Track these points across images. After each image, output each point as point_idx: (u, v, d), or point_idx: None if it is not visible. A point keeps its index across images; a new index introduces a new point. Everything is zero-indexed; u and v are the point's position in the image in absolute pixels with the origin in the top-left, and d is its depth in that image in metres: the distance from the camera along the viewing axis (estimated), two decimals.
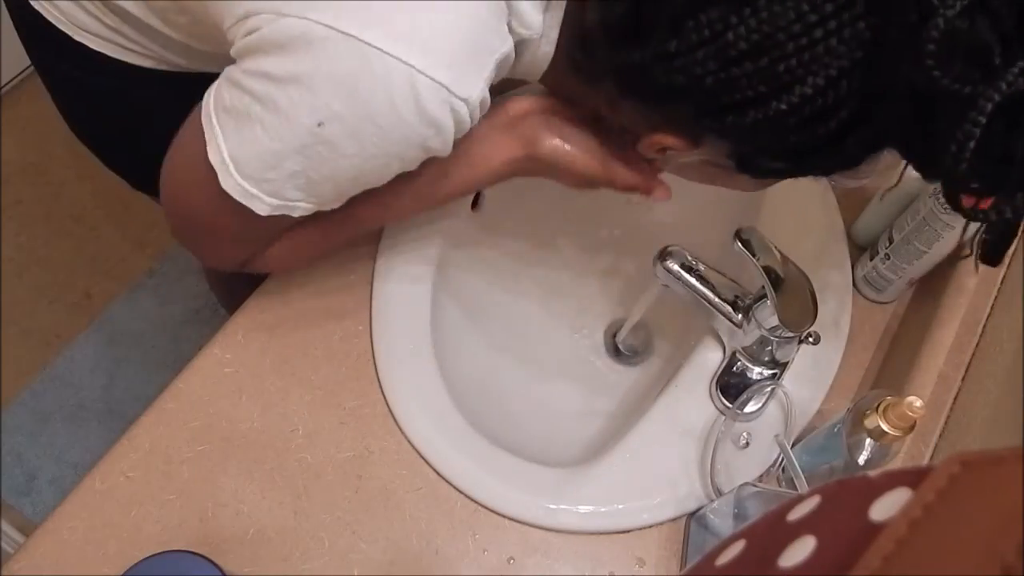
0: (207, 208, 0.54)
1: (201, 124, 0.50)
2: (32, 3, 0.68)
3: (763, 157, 0.49)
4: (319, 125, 0.45)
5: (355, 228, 0.65)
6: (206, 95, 0.50)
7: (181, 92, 0.74)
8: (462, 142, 0.52)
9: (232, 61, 0.48)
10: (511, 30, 0.49)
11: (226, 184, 0.49)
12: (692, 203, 0.71)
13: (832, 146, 0.45)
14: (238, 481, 0.65)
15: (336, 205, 0.54)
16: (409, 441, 0.67)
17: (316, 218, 0.56)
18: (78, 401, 1.52)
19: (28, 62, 0.79)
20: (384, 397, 0.69)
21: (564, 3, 0.50)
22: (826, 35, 0.40)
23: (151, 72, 0.71)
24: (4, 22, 0.78)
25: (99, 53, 0.69)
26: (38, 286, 1.63)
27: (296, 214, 0.52)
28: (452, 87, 0.45)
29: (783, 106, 0.42)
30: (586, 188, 0.61)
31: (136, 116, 0.77)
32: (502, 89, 0.57)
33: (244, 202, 0.50)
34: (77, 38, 0.68)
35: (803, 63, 0.41)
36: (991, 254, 0.46)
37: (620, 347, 0.87)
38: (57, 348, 1.56)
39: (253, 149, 0.48)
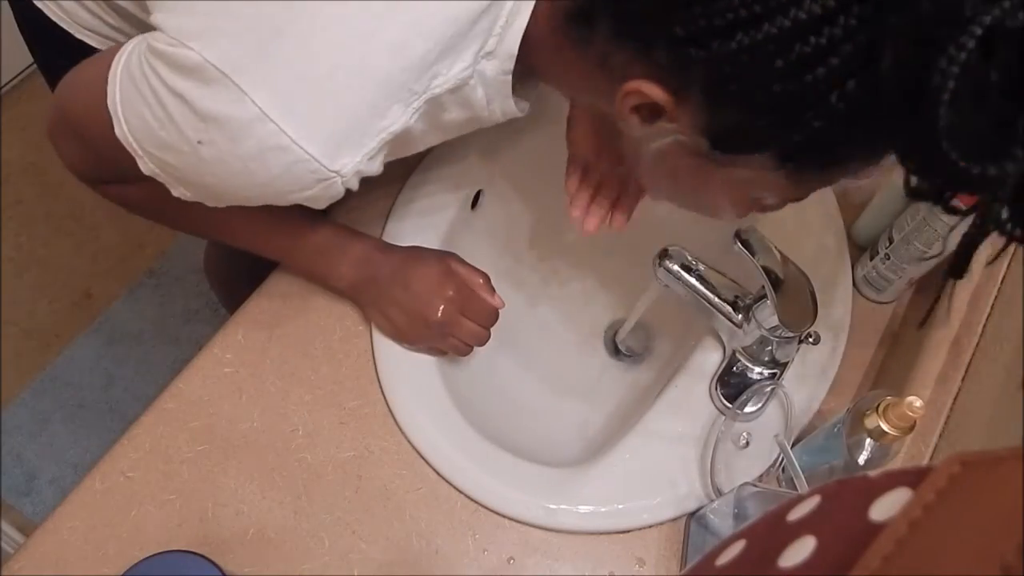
0: (96, 127, 0.54)
1: (112, 61, 0.51)
2: (35, 2, 0.68)
3: (742, 117, 0.44)
4: (198, 143, 0.47)
5: (214, 231, 0.69)
6: (126, 45, 0.51)
7: None
8: (335, 246, 0.67)
9: None
10: (428, 98, 0.49)
11: (119, 133, 0.51)
12: None
13: (819, 104, 0.41)
14: (238, 481, 0.65)
15: (211, 204, 0.55)
16: (409, 441, 0.67)
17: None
18: (78, 401, 1.52)
19: (28, 62, 0.80)
20: (384, 397, 0.69)
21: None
22: None
23: None
24: (5, 22, 0.78)
25: (99, 51, 0.69)
26: (38, 286, 1.63)
27: (175, 193, 0.53)
28: (323, 160, 0.48)
29: (773, 30, 0.38)
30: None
31: None
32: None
33: (130, 153, 0.51)
34: (79, 36, 0.68)
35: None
36: (954, 266, 0.44)
37: (620, 347, 0.87)
38: (57, 348, 1.56)
39: (142, 124, 0.49)
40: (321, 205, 0.53)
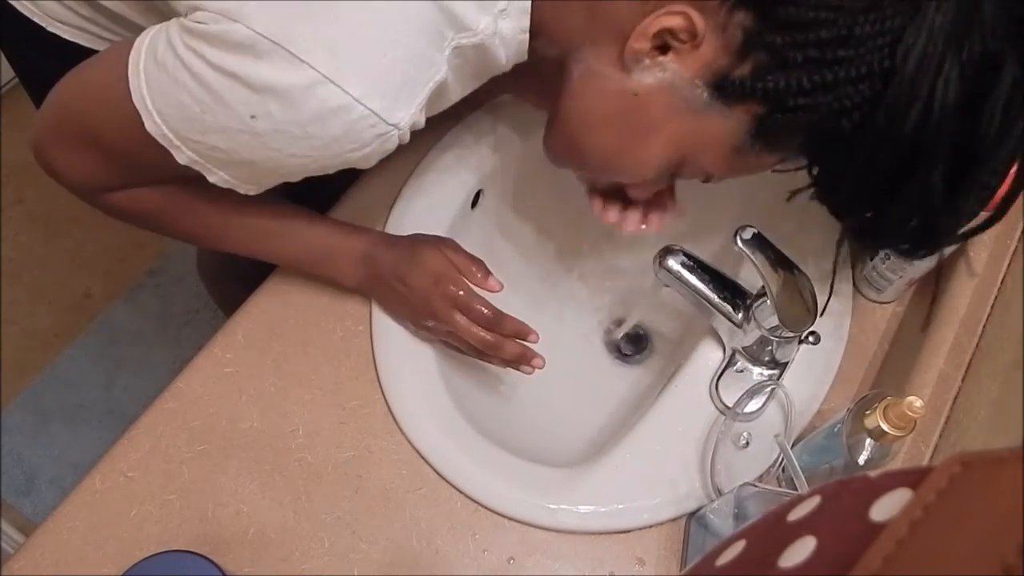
0: (112, 128, 0.54)
1: (126, 58, 0.50)
2: None
3: (765, 72, 0.47)
4: (252, 118, 0.47)
5: (218, 239, 0.68)
6: (142, 35, 0.51)
7: None
8: (327, 250, 0.68)
9: None
10: (455, 46, 0.50)
11: (151, 127, 0.50)
12: (693, 203, 0.71)
13: (830, 92, 0.46)
14: (238, 481, 0.65)
15: (253, 190, 0.56)
16: (409, 441, 0.67)
17: (193, 201, 0.62)
18: (78, 401, 1.52)
19: None
20: (384, 397, 0.69)
21: None
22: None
23: None
24: None
25: (73, 43, 0.68)
26: (38, 286, 1.63)
27: (211, 179, 0.53)
28: (383, 115, 0.48)
29: (823, 17, 0.44)
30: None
31: None
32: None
33: (165, 146, 0.51)
34: (51, 29, 0.68)
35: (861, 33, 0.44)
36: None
37: (620, 347, 0.87)
38: (57, 348, 1.56)
39: (181, 112, 0.49)
40: (371, 163, 0.53)
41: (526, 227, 0.88)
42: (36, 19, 0.67)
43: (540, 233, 0.89)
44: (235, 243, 0.69)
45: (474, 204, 0.81)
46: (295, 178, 0.54)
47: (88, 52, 0.69)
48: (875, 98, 0.45)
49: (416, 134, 0.54)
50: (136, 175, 0.60)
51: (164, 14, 0.61)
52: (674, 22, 0.47)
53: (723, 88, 0.49)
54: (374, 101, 0.47)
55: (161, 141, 0.51)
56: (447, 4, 0.48)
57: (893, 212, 0.50)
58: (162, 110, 0.49)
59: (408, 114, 0.50)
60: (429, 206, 0.77)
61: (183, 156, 0.51)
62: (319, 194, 0.74)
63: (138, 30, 0.65)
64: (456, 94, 0.57)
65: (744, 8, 0.46)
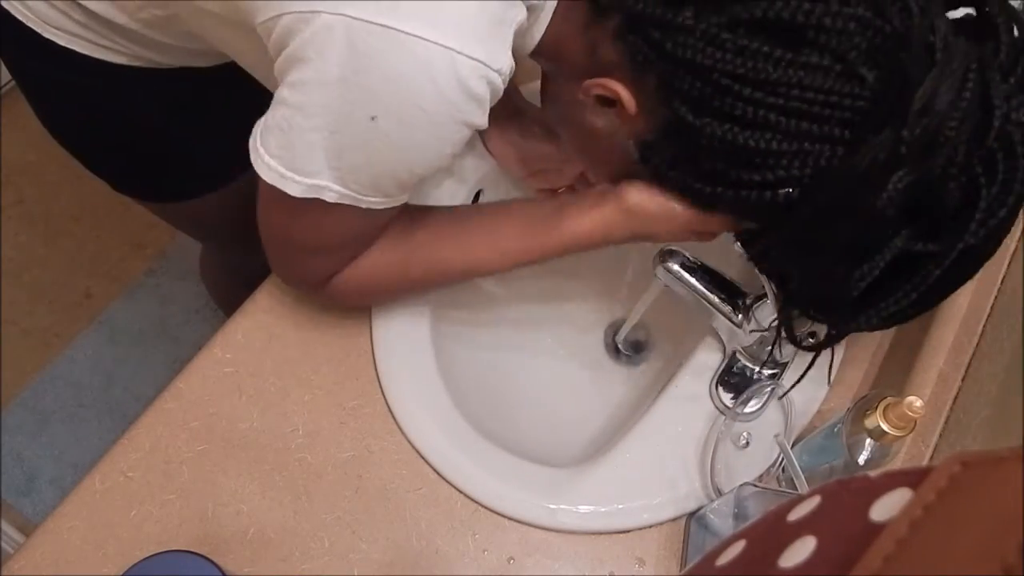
0: (283, 225, 0.58)
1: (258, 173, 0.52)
2: (1, 3, 0.68)
3: (682, 161, 0.51)
4: (372, 119, 0.47)
5: (436, 271, 0.65)
6: (250, 141, 0.52)
7: (156, 88, 0.74)
8: (552, 210, 0.62)
9: (221, 58, 0.49)
10: None
11: (291, 189, 0.51)
12: None
13: (734, 193, 0.49)
14: (238, 481, 0.65)
15: (403, 197, 0.56)
16: (409, 441, 0.67)
17: (396, 247, 0.61)
18: (78, 401, 1.52)
19: None
20: (384, 397, 0.69)
21: None
22: (814, 120, 0.45)
23: (124, 68, 0.70)
24: None
25: (68, 49, 0.68)
26: (38, 286, 1.63)
27: (363, 205, 0.53)
28: (488, 61, 0.47)
29: (749, 134, 0.46)
30: (685, 239, 0.60)
31: (111, 113, 0.76)
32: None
33: (314, 195, 0.51)
34: (46, 35, 0.68)
35: (795, 127, 0.45)
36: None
37: (620, 347, 0.87)
38: (57, 348, 1.56)
39: (309, 153, 0.49)
40: (485, 124, 0.51)
41: None
42: (31, 24, 0.67)
43: None
44: (463, 256, 0.64)
45: (474, 204, 0.81)
46: (435, 169, 0.53)
47: (84, 58, 0.69)
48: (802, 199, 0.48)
49: None
50: (333, 253, 0.61)
51: (160, 17, 0.62)
52: (607, 93, 0.50)
53: (647, 160, 0.53)
54: (477, 50, 0.47)
55: (309, 193, 0.51)
56: None
57: (802, 275, 0.53)
58: (292, 166, 0.50)
59: (505, 55, 0.49)
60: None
61: (334, 194, 0.52)
62: None
63: (133, 36, 0.65)
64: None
65: (673, 101, 0.48)
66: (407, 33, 0.45)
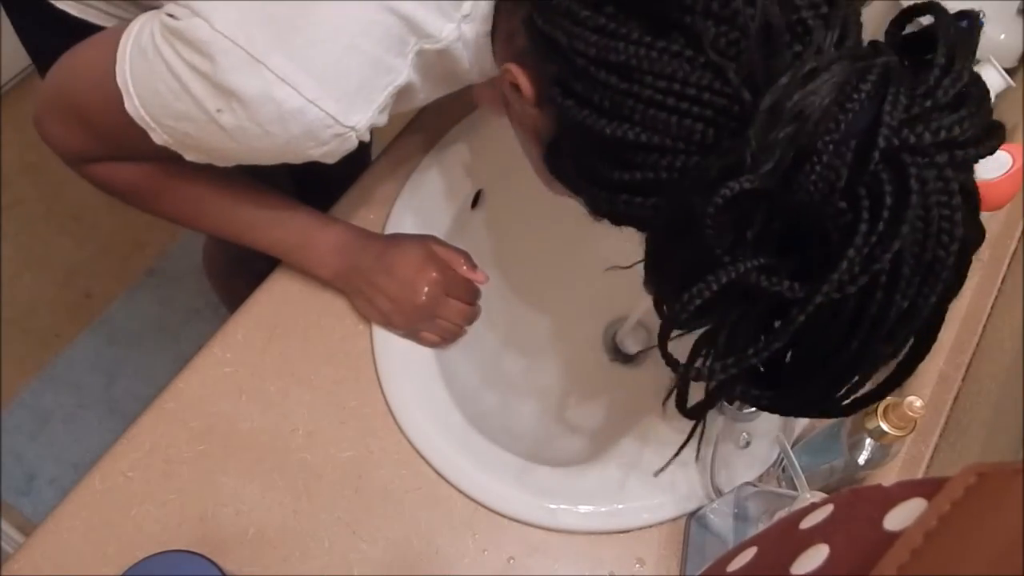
0: (98, 105, 0.56)
1: (117, 40, 0.53)
2: None
3: (572, 157, 0.49)
4: (217, 111, 0.50)
5: (195, 220, 0.69)
6: (134, 22, 0.53)
7: None
8: (314, 244, 0.68)
9: None
10: (418, 51, 0.52)
11: (130, 108, 0.52)
12: None
13: (616, 190, 0.45)
14: (238, 481, 0.65)
15: (222, 164, 0.57)
16: (409, 441, 0.67)
17: (167, 177, 0.63)
18: (78, 401, 1.52)
19: (28, 62, 0.79)
20: (384, 397, 0.69)
21: None
22: (679, 110, 0.40)
23: None
24: (5, 23, 0.78)
25: (81, 20, 0.69)
26: (38, 286, 1.63)
27: (188, 157, 0.56)
28: (339, 117, 0.50)
29: (605, 123, 0.42)
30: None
31: None
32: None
33: (142, 126, 0.53)
34: (60, 6, 0.69)
35: (652, 118, 0.41)
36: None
37: (620, 347, 0.87)
38: (57, 348, 1.56)
39: (156, 98, 0.51)
40: (335, 159, 0.55)
41: (526, 227, 0.88)
42: None
43: (540, 233, 0.89)
44: (211, 225, 0.70)
45: (474, 204, 0.81)
46: (268, 163, 0.55)
47: (96, 29, 0.69)
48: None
49: (415, 134, 0.54)
50: (119, 150, 0.62)
51: None
52: (509, 79, 0.49)
53: (546, 159, 0.52)
54: (329, 104, 0.49)
55: (139, 122, 0.53)
56: (409, 14, 0.49)
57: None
58: (140, 93, 0.52)
59: (365, 117, 0.52)
60: (429, 206, 0.77)
61: (159, 137, 0.53)
62: (321, 186, 0.74)
63: (144, 6, 0.65)
64: (427, 93, 0.58)
65: (561, 98, 0.45)
66: (269, 69, 0.47)
